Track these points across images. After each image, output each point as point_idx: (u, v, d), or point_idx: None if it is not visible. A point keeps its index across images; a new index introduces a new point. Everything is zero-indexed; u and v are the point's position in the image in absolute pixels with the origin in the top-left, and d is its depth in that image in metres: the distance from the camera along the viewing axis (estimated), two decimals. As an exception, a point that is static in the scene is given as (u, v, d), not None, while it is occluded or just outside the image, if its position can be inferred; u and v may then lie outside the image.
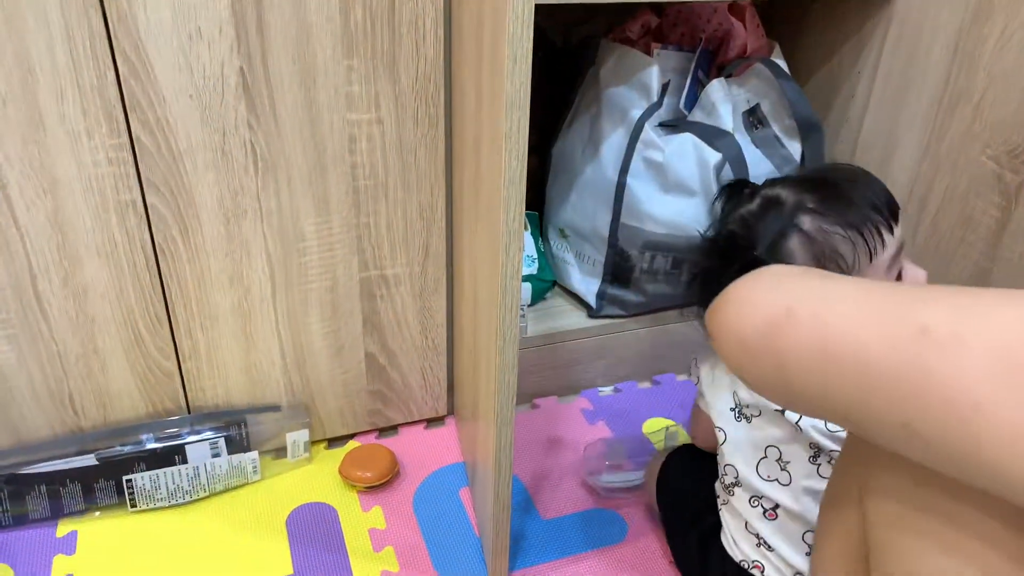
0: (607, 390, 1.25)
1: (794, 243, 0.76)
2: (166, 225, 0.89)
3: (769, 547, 0.80)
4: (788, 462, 0.78)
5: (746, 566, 0.82)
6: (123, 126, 0.83)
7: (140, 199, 0.87)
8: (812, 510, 0.77)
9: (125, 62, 0.79)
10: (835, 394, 0.47)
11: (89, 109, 0.81)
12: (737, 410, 0.82)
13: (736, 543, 0.83)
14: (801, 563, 0.79)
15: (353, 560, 0.94)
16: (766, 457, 0.79)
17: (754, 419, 0.80)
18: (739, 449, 0.81)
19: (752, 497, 0.81)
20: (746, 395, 0.81)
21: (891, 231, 0.75)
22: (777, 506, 0.79)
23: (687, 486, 0.94)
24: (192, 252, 0.91)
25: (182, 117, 0.84)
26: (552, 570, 0.95)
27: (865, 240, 0.74)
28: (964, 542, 0.46)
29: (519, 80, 0.63)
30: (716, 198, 0.86)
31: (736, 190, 0.87)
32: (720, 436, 0.83)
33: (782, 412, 0.78)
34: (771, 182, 0.84)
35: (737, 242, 0.81)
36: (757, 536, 0.81)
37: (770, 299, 0.52)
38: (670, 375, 1.27)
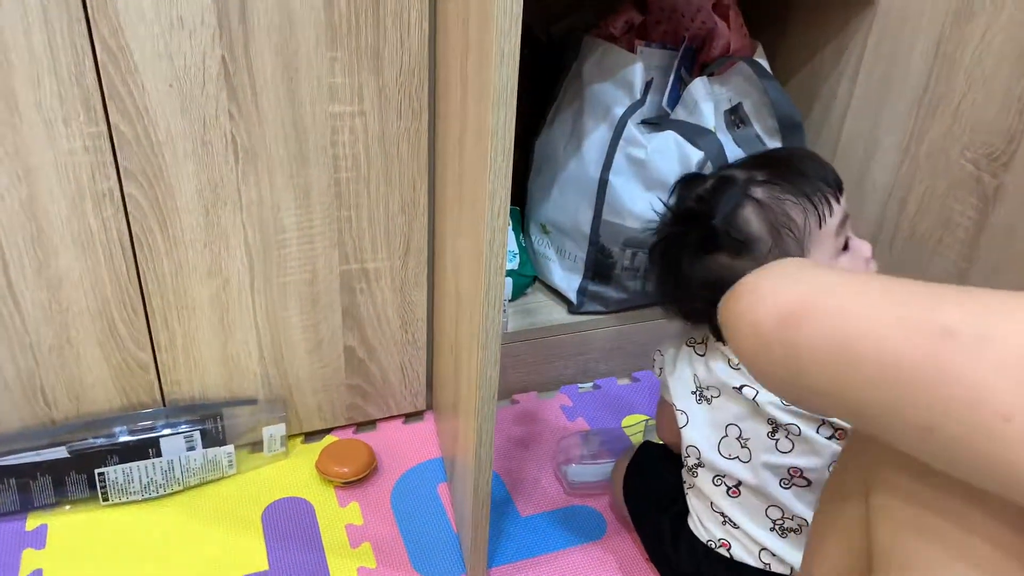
0: (587, 386, 1.25)
1: (749, 211, 0.79)
2: (144, 215, 0.87)
3: (734, 524, 0.82)
4: (748, 439, 0.81)
5: (713, 545, 0.84)
6: (101, 114, 0.81)
7: (118, 188, 0.85)
8: (772, 484, 0.80)
9: (104, 49, 0.78)
10: (850, 392, 0.46)
11: (66, 96, 0.79)
12: (698, 393, 0.85)
13: (702, 524, 0.85)
14: (765, 538, 0.81)
15: (330, 556, 0.94)
16: (727, 436, 0.82)
17: (714, 400, 0.83)
18: (700, 430, 0.84)
19: (715, 476, 0.83)
20: (705, 375, 0.84)
21: (837, 200, 0.80)
22: (740, 483, 0.81)
23: (654, 477, 0.96)
24: (170, 243, 0.90)
25: (162, 106, 0.82)
26: (531, 567, 0.95)
27: (815, 206, 0.78)
28: (974, 545, 0.46)
29: (506, 76, 0.62)
30: (671, 191, 0.87)
31: (691, 179, 0.90)
32: (682, 419, 0.85)
33: (739, 389, 0.80)
34: (723, 167, 0.89)
35: (695, 214, 0.82)
36: (722, 515, 0.83)
37: (788, 290, 0.51)
38: (649, 372, 1.28)
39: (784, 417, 0.78)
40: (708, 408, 0.84)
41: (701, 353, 0.85)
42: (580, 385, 1.25)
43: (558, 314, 1.20)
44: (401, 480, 1.05)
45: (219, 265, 0.93)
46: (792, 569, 0.81)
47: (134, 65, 0.79)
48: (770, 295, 0.52)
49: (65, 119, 0.80)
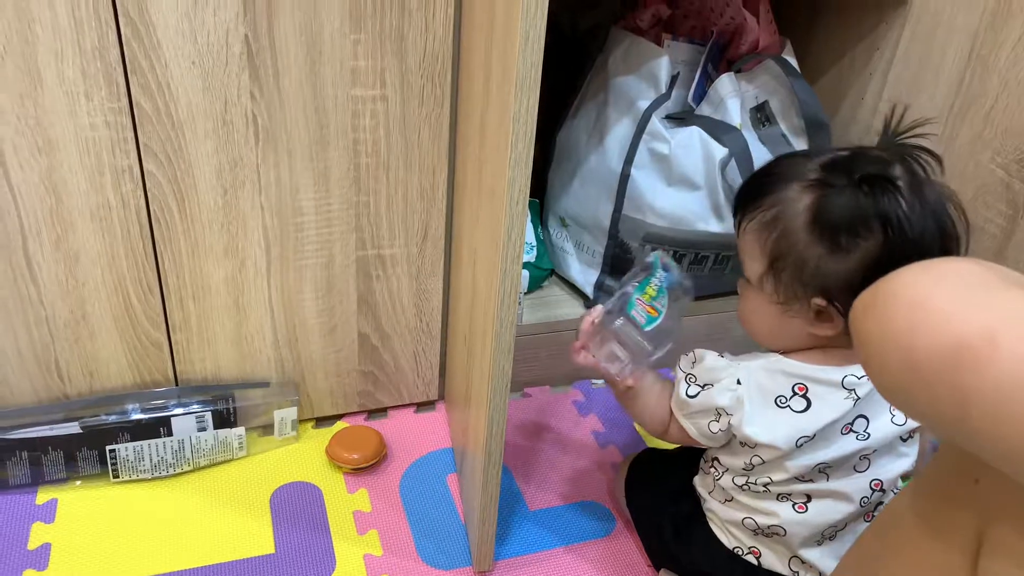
0: (600, 382, 1.24)
1: (952, 210, 0.71)
2: (162, 193, 0.87)
3: (779, 535, 0.79)
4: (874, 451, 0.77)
5: (740, 552, 0.82)
6: (123, 89, 0.81)
7: (137, 165, 0.85)
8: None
9: (128, 23, 0.78)
10: None
11: (89, 70, 0.79)
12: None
13: (730, 532, 0.83)
14: (807, 553, 0.79)
15: (336, 542, 0.93)
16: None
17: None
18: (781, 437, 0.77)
19: (780, 495, 0.79)
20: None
21: None
22: (810, 498, 0.78)
23: (658, 477, 0.95)
24: (188, 222, 0.90)
25: (184, 84, 0.82)
26: (537, 561, 0.94)
27: None
28: None
29: (531, 60, 0.61)
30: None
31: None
32: (763, 431, 0.76)
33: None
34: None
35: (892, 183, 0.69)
36: (766, 528, 0.80)
37: (962, 314, 0.39)
38: (665, 369, 1.26)
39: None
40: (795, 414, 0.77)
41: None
42: (593, 381, 1.24)
43: (574, 308, 1.19)
44: (410, 469, 1.05)
45: (236, 246, 0.93)
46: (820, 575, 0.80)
47: (157, 41, 0.79)
48: (936, 317, 0.40)
49: (87, 93, 0.80)
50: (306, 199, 0.92)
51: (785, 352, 0.77)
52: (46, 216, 0.85)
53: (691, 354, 0.81)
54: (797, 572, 0.81)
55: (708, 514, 0.86)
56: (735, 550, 0.83)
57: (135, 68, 0.80)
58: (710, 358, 0.79)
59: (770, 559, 0.81)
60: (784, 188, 0.73)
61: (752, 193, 0.77)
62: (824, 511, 0.78)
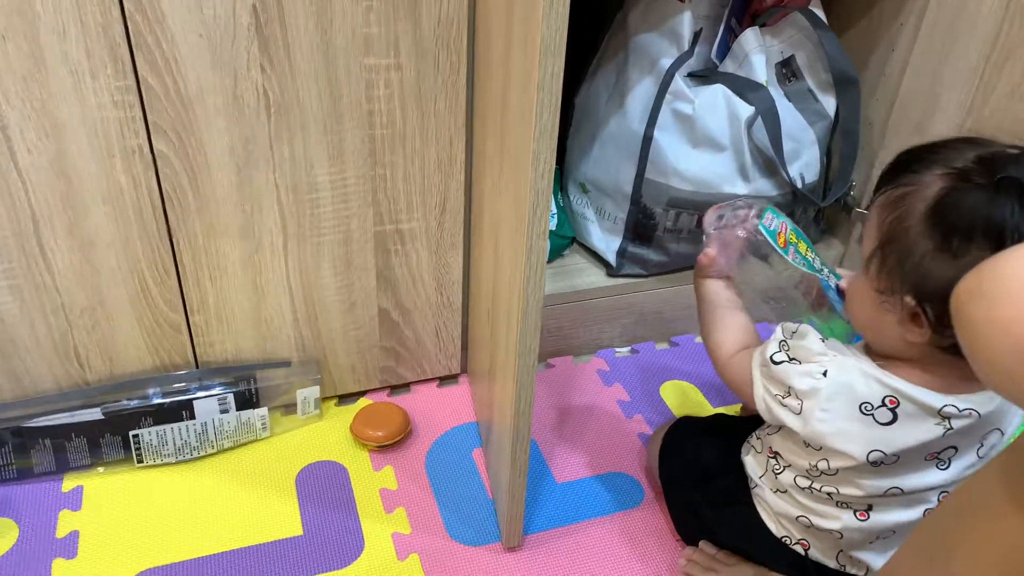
0: (624, 351, 1.22)
1: None
2: (174, 172, 0.85)
3: (833, 536, 0.77)
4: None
5: (789, 542, 0.80)
6: (129, 67, 0.78)
7: (147, 145, 0.83)
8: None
9: (130, -3, 0.75)
10: None
11: (93, 48, 0.76)
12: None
13: (781, 524, 0.81)
14: (859, 553, 0.77)
15: (364, 521, 0.92)
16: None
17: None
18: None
19: (841, 503, 0.75)
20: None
21: None
22: (871, 507, 0.74)
23: (690, 452, 0.92)
24: (201, 201, 0.87)
25: (191, 58, 0.79)
26: (567, 535, 0.93)
27: None
28: None
29: (556, 24, 0.58)
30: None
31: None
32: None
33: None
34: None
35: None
36: (816, 527, 0.77)
37: None
38: (688, 336, 1.24)
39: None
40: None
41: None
42: (617, 350, 1.22)
43: (596, 276, 1.16)
44: (436, 444, 1.03)
45: (251, 225, 0.90)
46: (868, 570, 0.78)
47: (161, 14, 0.76)
48: None
49: (92, 72, 0.77)
50: (321, 174, 0.89)
51: (885, 359, 0.71)
52: (57, 202, 0.83)
53: (797, 324, 0.76)
54: (844, 566, 0.78)
55: (756, 499, 0.83)
56: (783, 539, 0.80)
57: (140, 43, 0.77)
58: (812, 337, 0.74)
59: (818, 552, 0.79)
60: (926, 170, 0.66)
61: (898, 168, 0.70)
62: (885, 519, 0.74)
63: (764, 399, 0.75)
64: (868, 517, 0.74)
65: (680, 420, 0.99)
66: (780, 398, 0.73)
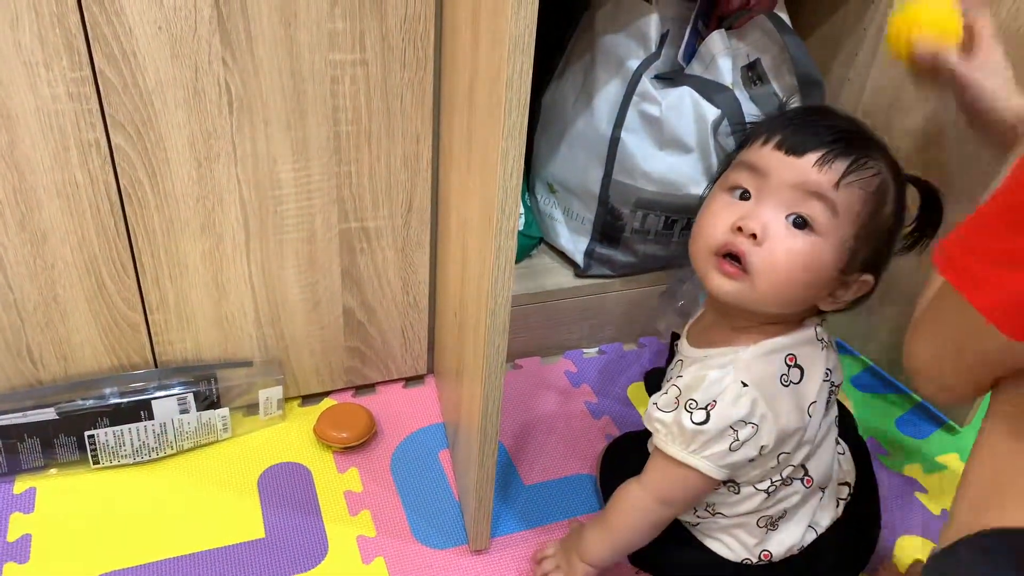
0: (592, 351, 1.22)
1: None
2: (132, 167, 0.83)
3: (776, 525, 0.78)
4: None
5: (751, 561, 0.79)
6: (85, 58, 0.76)
7: (104, 138, 0.80)
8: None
9: (87, -14, 0.72)
10: None
11: (48, 37, 0.74)
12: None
13: (738, 539, 0.79)
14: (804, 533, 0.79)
15: (328, 524, 0.91)
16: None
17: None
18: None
19: (791, 476, 0.76)
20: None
21: None
22: (807, 470, 0.77)
23: (635, 466, 0.83)
24: (160, 197, 0.85)
25: (150, 51, 0.77)
26: (535, 537, 0.92)
27: None
28: None
29: (525, 21, 0.57)
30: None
31: None
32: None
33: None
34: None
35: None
36: (774, 520, 0.78)
37: None
38: (655, 338, 1.24)
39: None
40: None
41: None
42: (585, 350, 1.22)
43: (564, 277, 1.16)
44: (401, 446, 1.02)
45: (212, 221, 0.88)
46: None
47: (120, 6, 0.74)
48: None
49: (46, 62, 0.75)
50: (285, 170, 0.88)
51: (738, 330, 0.75)
52: (9, 195, 0.80)
53: (668, 386, 0.75)
54: (813, 528, 0.80)
55: (700, 535, 0.81)
56: (744, 561, 0.79)
57: (97, 34, 0.75)
58: (696, 374, 0.72)
59: (781, 546, 0.78)
60: (879, 156, 0.72)
61: (855, 143, 0.71)
62: (820, 467, 0.78)
63: (726, 465, 0.71)
64: (812, 483, 0.77)
65: (624, 435, 0.98)
66: (735, 442, 0.70)
